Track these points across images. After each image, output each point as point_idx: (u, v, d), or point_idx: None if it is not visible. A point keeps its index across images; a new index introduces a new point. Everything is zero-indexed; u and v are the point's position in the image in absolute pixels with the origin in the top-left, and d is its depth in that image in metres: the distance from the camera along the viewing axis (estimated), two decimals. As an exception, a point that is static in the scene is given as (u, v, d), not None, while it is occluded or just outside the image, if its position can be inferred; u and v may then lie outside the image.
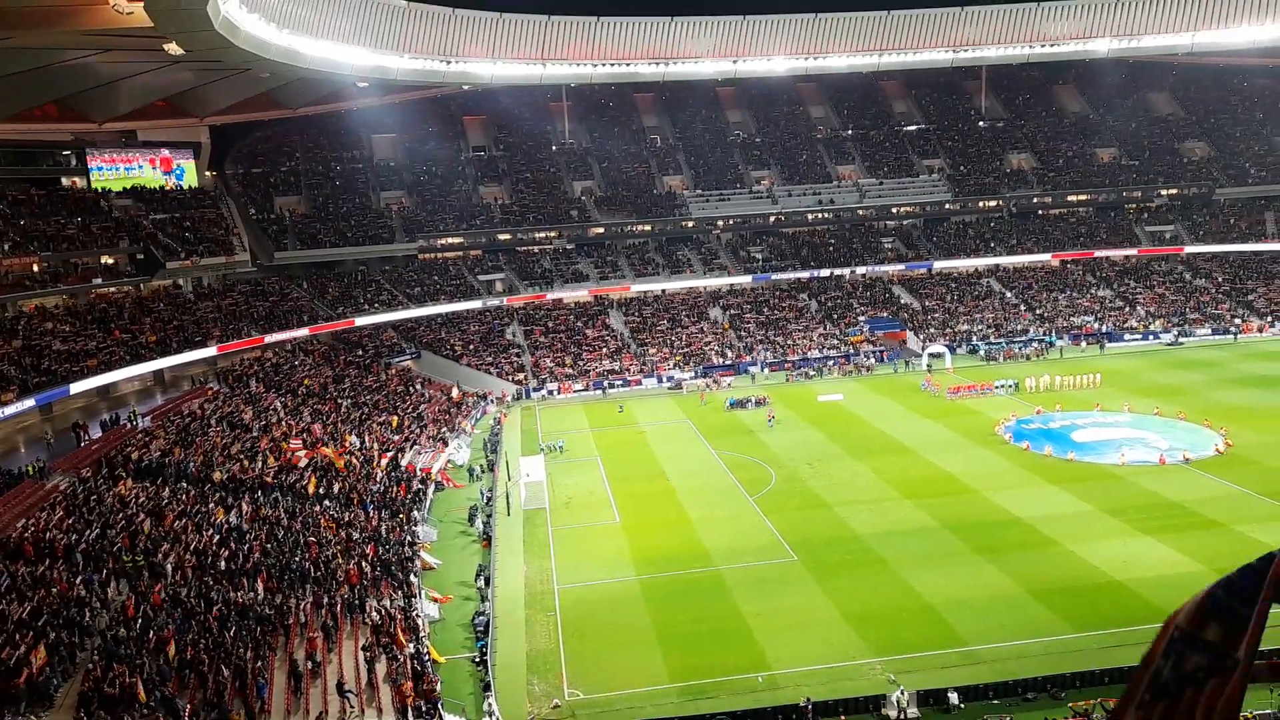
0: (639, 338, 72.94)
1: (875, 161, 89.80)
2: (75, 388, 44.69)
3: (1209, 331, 71.70)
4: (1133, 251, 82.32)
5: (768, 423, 53.92)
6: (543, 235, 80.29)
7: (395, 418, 53.30)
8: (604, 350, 70.95)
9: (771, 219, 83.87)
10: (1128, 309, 75.87)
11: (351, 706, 24.31)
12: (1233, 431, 45.77)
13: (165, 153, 70.58)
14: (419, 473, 45.20)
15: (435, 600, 32.39)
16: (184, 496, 35.78)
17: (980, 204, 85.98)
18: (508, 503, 41.67)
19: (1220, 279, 78.86)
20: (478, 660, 28.07)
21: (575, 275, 77.64)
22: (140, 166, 68.95)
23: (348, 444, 46.48)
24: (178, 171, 71.40)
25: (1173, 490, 38.72)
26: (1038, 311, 76.03)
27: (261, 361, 59.14)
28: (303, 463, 42.18)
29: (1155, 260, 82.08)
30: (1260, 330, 71.60)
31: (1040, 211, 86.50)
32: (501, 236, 79.60)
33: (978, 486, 40.73)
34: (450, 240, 78.35)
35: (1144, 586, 30.01)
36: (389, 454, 46.41)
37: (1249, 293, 76.59)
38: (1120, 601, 29.23)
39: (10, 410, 39.81)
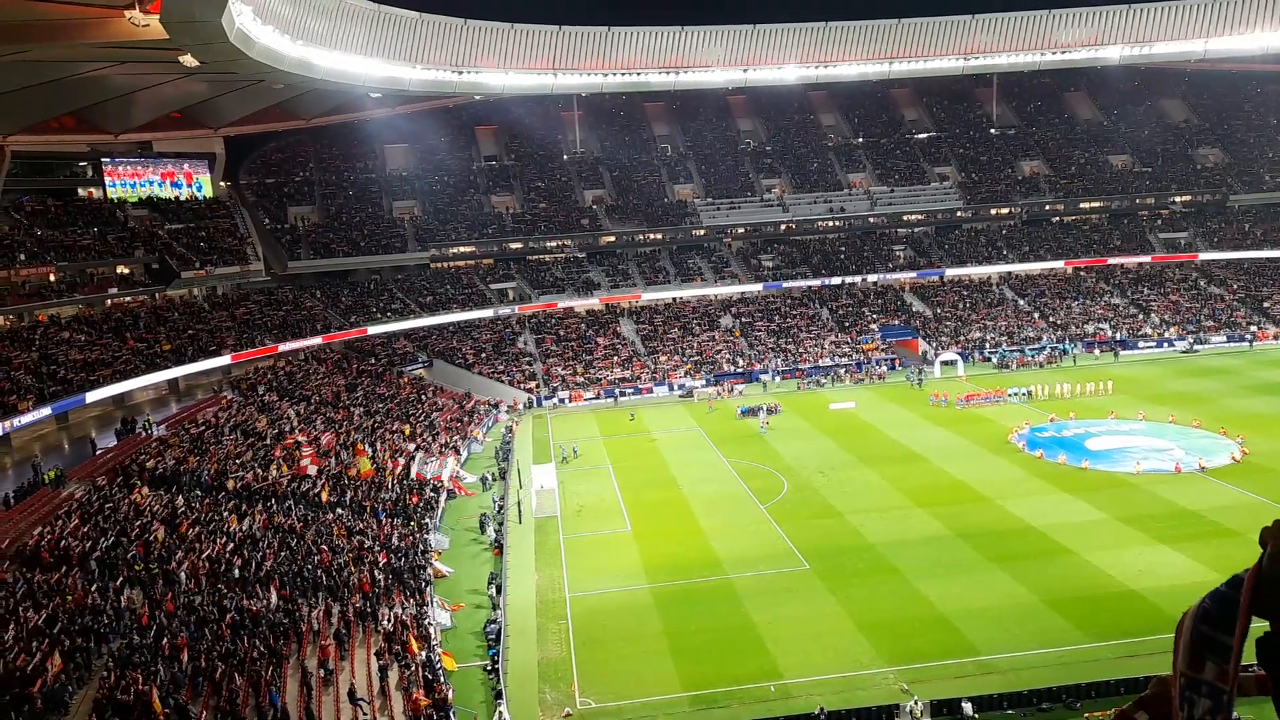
0: (650, 346, 72.97)
1: (886, 169, 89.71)
2: (91, 396, 45.01)
3: (1224, 339, 71.20)
4: (1146, 259, 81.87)
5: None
6: (554, 244, 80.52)
7: (408, 426, 53.46)
8: (615, 358, 71.00)
9: (782, 227, 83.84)
10: (1141, 316, 75.42)
11: (364, 714, 24.33)
12: (1249, 439, 45.38)
13: (187, 167, 71.38)
14: (431, 480, 45.44)
15: (447, 608, 32.42)
16: (198, 505, 35.96)
17: (992, 211, 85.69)
18: (519, 511, 41.71)
19: (1235, 286, 78.30)
20: (489, 668, 28.07)
21: (586, 284, 77.78)
22: (161, 183, 69.60)
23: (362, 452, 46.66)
24: (197, 185, 72.12)
25: (1188, 499, 38.41)
26: (1051, 319, 75.67)
27: (275, 370, 59.45)
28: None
29: (1169, 267, 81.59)
30: (1276, 337, 71.04)
31: (1053, 219, 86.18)
32: (513, 245, 79.86)
33: (991, 495, 40.51)
34: (462, 249, 78.67)
35: (1160, 596, 29.73)
36: (399, 461, 46.56)
37: (1264, 300, 76.00)
38: (1136, 611, 28.97)
39: (27, 419, 40.13)
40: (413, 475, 45.72)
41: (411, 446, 49.90)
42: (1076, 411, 53.24)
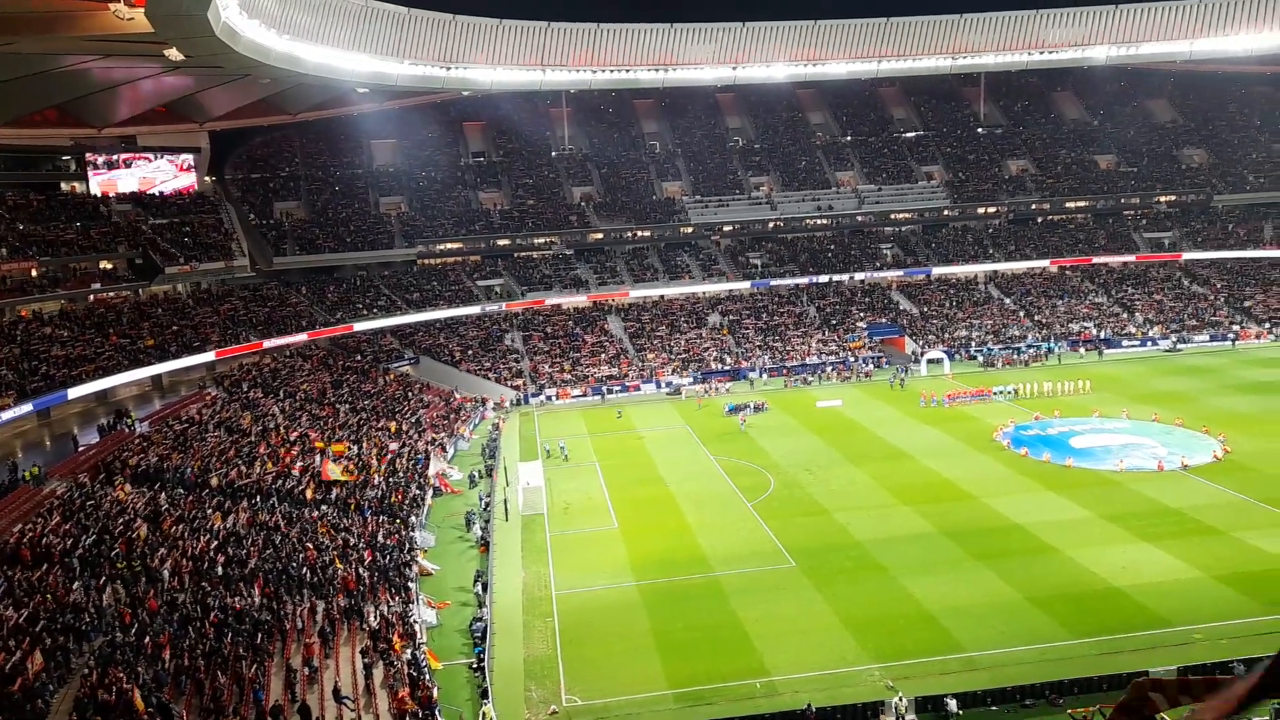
0: (638, 343, 72.94)
1: (874, 168, 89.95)
2: (73, 393, 44.62)
3: (1207, 338, 71.77)
4: (1131, 258, 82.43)
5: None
6: (542, 241, 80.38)
7: (394, 423, 53.26)
8: (603, 356, 70.93)
9: (770, 225, 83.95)
10: (1126, 315, 75.94)
11: (351, 710, 24.23)
12: (1231, 438, 45.78)
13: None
14: (434, 479, 45.55)
15: (433, 606, 32.33)
16: (181, 502, 35.71)
17: (979, 210, 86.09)
18: (506, 508, 41.62)
19: (1218, 286, 78.94)
20: (475, 666, 28.01)
21: (574, 281, 77.66)
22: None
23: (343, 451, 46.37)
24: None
25: (1171, 497, 38.70)
26: (1036, 318, 76.08)
27: (260, 367, 59.09)
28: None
29: (1154, 267, 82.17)
30: (1258, 337, 71.66)
31: (1039, 218, 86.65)
32: (501, 242, 79.67)
33: (976, 493, 40.70)
34: (449, 246, 78.38)
35: (1142, 593, 29.99)
36: (387, 458, 46.37)
37: (1247, 299, 76.65)
38: (1118, 608, 29.20)
39: (7, 415, 39.75)
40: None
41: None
42: (1061, 410, 53.55)
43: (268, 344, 60.45)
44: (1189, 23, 71.61)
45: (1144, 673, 23.58)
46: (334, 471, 41.42)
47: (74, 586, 27.33)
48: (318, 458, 43.66)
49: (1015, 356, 69.45)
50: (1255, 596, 29.20)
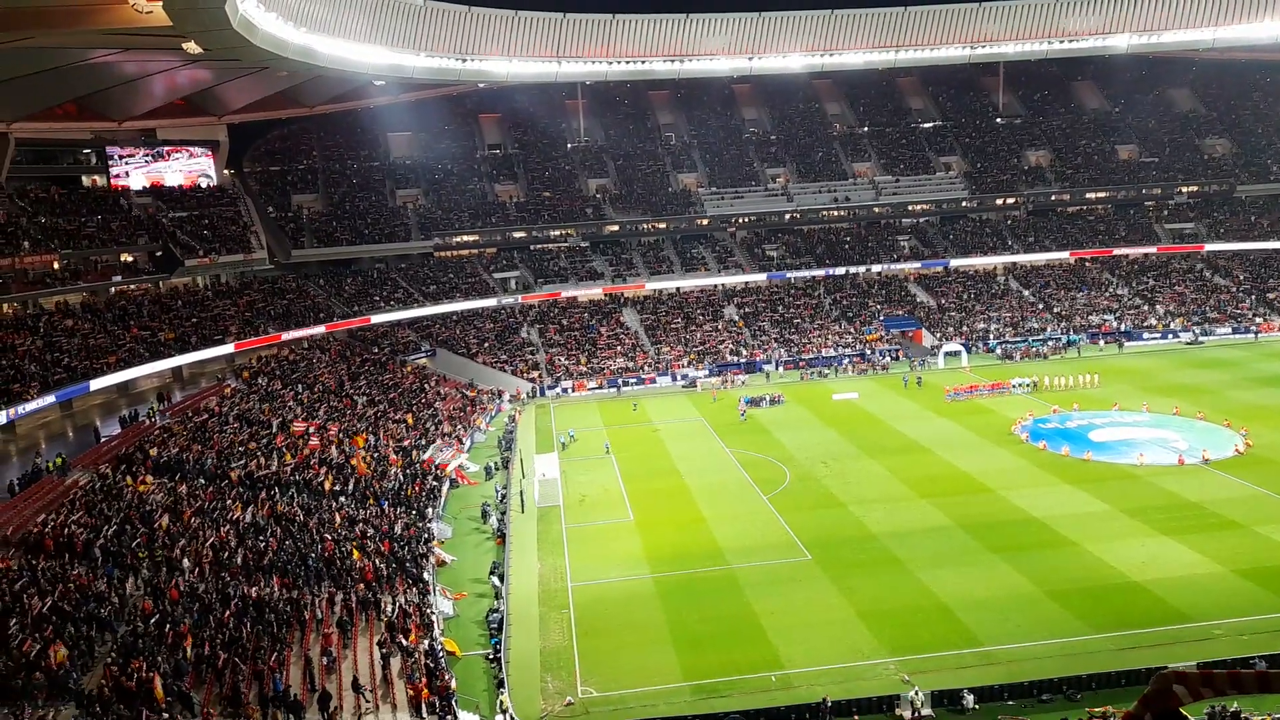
0: (653, 336, 72.90)
1: (891, 159, 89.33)
2: (95, 384, 45.11)
3: (1229, 330, 70.95)
4: (1152, 249, 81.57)
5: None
6: (558, 233, 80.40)
7: (411, 415, 53.51)
8: (618, 348, 70.95)
9: (787, 217, 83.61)
10: (1147, 307, 75.17)
11: (367, 701, 24.43)
12: (1253, 431, 45.29)
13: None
14: (435, 469, 45.51)
15: (449, 597, 32.51)
16: (201, 493, 36.04)
17: (998, 201, 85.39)
18: (522, 500, 41.76)
19: (1241, 277, 78.00)
20: (491, 657, 28.17)
21: (590, 273, 77.67)
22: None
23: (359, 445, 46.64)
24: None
25: (1192, 491, 38.34)
26: (1056, 310, 75.46)
27: (279, 359, 59.48)
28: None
29: (1175, 258, 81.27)
30: (1281, 329, 70.82)
31: (1058, 209, 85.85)
32: (517, 234, 79.76)
33: (994, 486, 40.47)
34: (466, 238, 78.58)
35: (1162, 588, 29.75)
36: (414, 450, 46.57)
37: (1270, 291, 75.69)
38: (1138, 603, 28.99)
39: (31, 406, 40.21)
40: (423, 461, 46.08)
41: (415, 435, 49.93)
42: (1080, 403, 53.12)
43: (286, 336, 60.84)
44: (1212, 10, 70.58)
45: (1163, 668, 23.42)
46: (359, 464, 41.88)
47: (96, 576, 27.64)
48: (334, 449, 43.97)
49: (1033, 350, 68.88)
50: (1277, 591, 28.90)
